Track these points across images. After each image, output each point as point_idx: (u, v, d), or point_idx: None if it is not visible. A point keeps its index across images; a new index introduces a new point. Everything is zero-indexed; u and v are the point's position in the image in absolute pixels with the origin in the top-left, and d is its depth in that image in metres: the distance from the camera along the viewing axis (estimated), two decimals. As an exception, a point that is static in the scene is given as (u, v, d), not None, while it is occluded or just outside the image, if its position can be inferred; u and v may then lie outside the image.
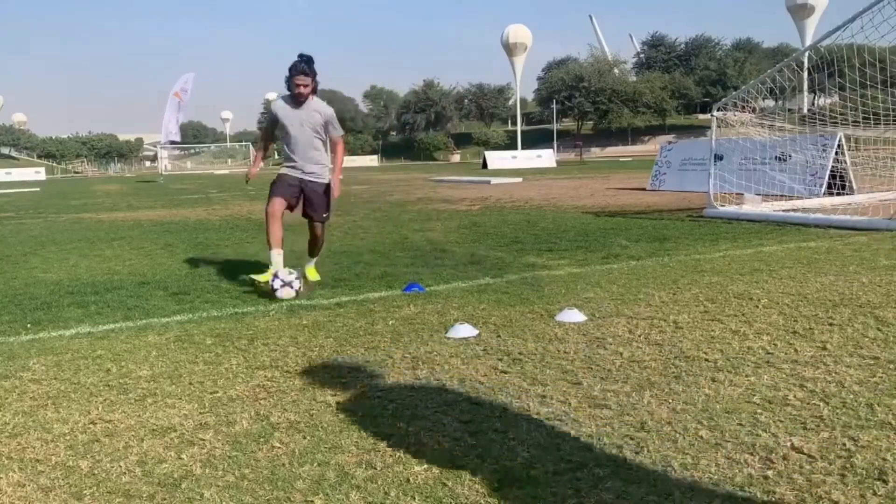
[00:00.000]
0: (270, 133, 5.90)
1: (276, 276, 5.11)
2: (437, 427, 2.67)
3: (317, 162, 5.66)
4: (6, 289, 5.95)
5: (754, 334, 3.76)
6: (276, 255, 5.43)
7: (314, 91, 5.54)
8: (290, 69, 5.43)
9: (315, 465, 2.39)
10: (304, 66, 5.40)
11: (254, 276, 5.41)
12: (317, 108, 5.60)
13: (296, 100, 5.52)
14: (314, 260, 5.97)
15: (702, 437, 2.49)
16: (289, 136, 5.60)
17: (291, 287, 5.07)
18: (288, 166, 5.67)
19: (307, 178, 5.62)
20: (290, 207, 5.64)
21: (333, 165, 5.80)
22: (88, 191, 29.03)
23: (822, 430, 2.51)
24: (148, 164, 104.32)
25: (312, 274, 5.84)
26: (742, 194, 10.33)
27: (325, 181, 5.68)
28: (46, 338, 4.24)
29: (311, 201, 5.66)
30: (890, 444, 2.38)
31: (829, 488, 2.10)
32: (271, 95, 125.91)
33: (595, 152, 74.51)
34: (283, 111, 5.59)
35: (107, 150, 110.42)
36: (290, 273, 5.14)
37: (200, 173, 62.06)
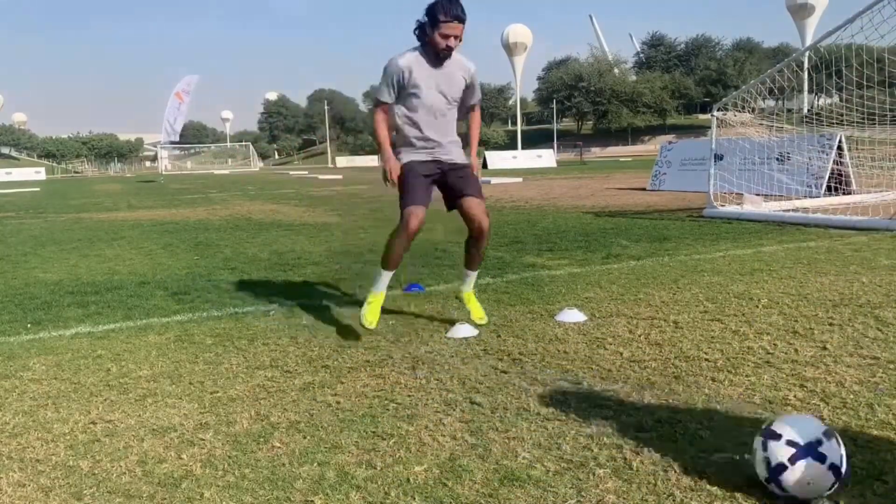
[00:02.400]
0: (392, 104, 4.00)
1: None
2: (437, 427, 2.67)
3: (457, 143, 4.12)
4: (6, 289, 5.95)
5: (754, 334, 3.76)
6: (388, 279, 4.07)
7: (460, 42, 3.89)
8: (436, 11, 3.75)
9: (315, 465, 2.39)
10: (460, 8, 3.77)
11: (367, 324, 3.92)
12: (460, 67, 4.01)
13: (436, 56, 3.88)
14: (474, 276, 4.26)
15: (702, 436, 2.49)
16: (419, 106, 3.95)
17: None
18: (421, 149, 4.00)
19: (447, 160, 4.03)
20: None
21: (470, 140, 4.24)
22: (88, 191, 29.03)
23: (822, 430, 2.50)
24: (148, 164, 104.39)
25: (475, 307, 4.21)
26: (742, 194, 10.33)
27: (467, 162, 4.13)
28: (46, 338, 4.24)
29: (462, 182, 4.04)
30: (890, 444, 2.38)
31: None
32: (271, 95, 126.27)
33: (595, 152, 74.51)
34: (419, 70, 3.91)
35: (107, 150, 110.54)
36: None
37: (200, 173, 62.04)
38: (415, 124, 3.98)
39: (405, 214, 3.92)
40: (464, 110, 4.17)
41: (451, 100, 4.01)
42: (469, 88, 4.08)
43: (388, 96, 3.96)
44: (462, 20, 3.77)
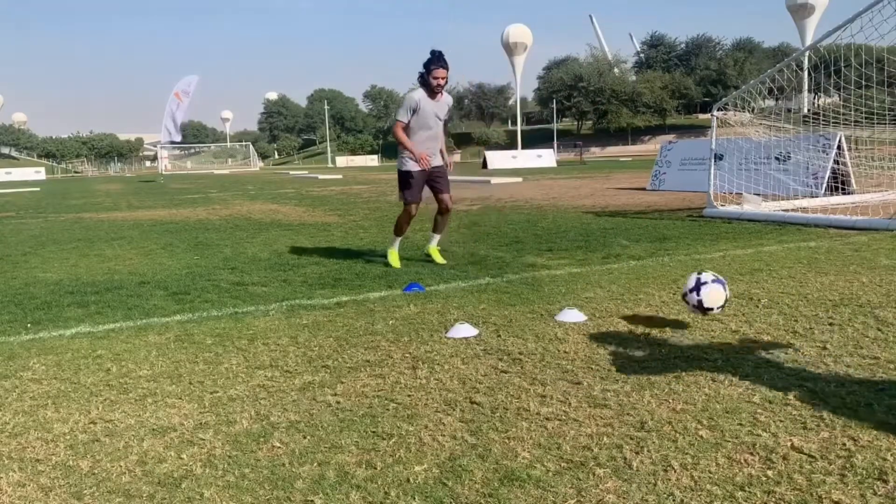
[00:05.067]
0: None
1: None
2: (437, 427, 2.67)
3: (437, 150, 6.25)
4: (6, 289, 5.95)
5: (754, 334, 3.76)
6: (398, 241, 6.41)
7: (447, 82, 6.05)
8: (430, 63, 5.86)
9: (315, 465, 2.39)
10: (444, 59, 5.88)
11: (395, 266, 6.25)
12: (447, 101, 6.20)
13: (432, 92, 5.97)
14: (438, 238, 6.55)
15: (702, 437, 2.49)
16: (423, 126, 6.04)
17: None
18: (413, 159, 6.06)
19: (434, 165, 6.19)
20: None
21: (444, 145, 6.45)
22: (88, 190, 29.03)
23: (822, 430, 2.51)
24: (148, 164, 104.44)
25: (438, 256, 6.47)
26: (742, 194, 10.33)
27: (441, 164, 6.31)
28: (46, 337, 4.24)
29: (439, 181, 6.28)
30: (890, 444, 2.38)
31: (829, 488, 2.10)
32: (271, 95, 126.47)
33: (595, 152, 74.47)
34: (425, 102, 5.99)
35: (107, 150, 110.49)
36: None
37: (200, 173, 62.06)
38: (413, 137, 6.07)
39: (408, 206, 6.24)
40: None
41: (438, 123, 6.15)
42: (449, 113, 6.28)
43: (405, 118, 6.05)
44: (446, 67, 5.91)
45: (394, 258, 6.34)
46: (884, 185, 10.87)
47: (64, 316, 4.81)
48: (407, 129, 6.07)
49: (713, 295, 3.76)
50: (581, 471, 2.27)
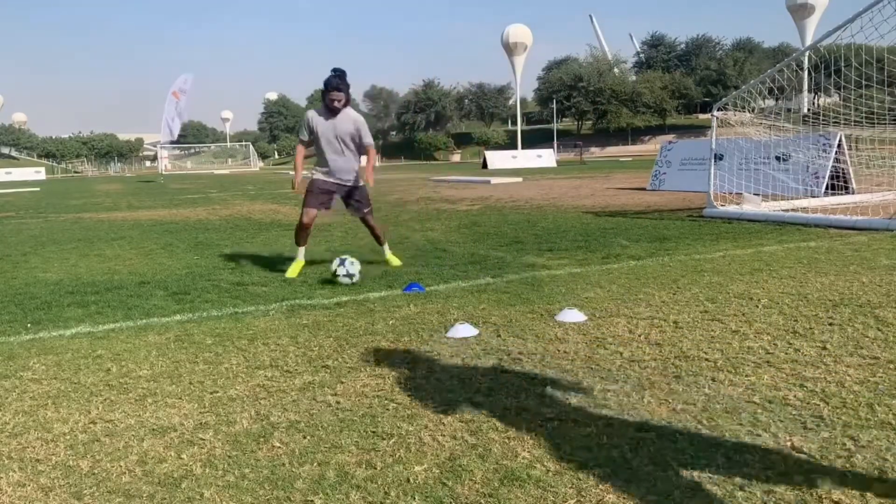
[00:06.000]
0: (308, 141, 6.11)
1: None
2: (437, 427, 2.67)
3: (352, 170, 6.12)
4: (6, 289, 5.95)
5: (754, 334, 3.76)
6: (302, 251, 6.17)
7: (347, 103, 5.94)
8: (327, 83, 5.82)
9: (315, 465, 2.39)
10: (336, 80, 5.82)
11: (289, 276, 5.92)
12: (350, 119, 5.99)
13: (329, 111, 5.93)
14: (386, 246, 6.52)
15: (702, 436, 2.49)
16: (322, 144, 5.99)
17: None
18: (325, 173, 6.08)
19: (344, 183, 6.10)
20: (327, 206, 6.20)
21: (367, 167, 6.24)
22: (88, 190, 29.03)
23: (822, 430, 2.51)
24: (148, 163, 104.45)
25: (394, 259, 6.48)
26: (742, 194, 10.33)
27: (358, 183, 6.17)
28: (46, 337, 4.24)
29: (357, 203, 6.21)
30: (890, 444, 2.38)
31: (829, 488, 2.10)
32: (271, 95, 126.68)
33: (595, 152, 74.42)
34: (318, 121, 5.95)
35: (107, 150, 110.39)
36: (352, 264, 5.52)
37: (200, 173, 62.07)
38: (321, 155, 6.07)
39: (303, 213, 6.03)
40: (361, 149, 6.13)
41: (342, 141, 5.97)
42: (359, 133, 6.00)
43: (304, 137, 6.08)
44: (340, 90, 5.82)
45: (293, 269, 5.98)
46: (884, 185, 10.87)
47: (64, 316, 4.81)
48: (311, 147, 6.07)
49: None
50: (581, 471, 2.27)
